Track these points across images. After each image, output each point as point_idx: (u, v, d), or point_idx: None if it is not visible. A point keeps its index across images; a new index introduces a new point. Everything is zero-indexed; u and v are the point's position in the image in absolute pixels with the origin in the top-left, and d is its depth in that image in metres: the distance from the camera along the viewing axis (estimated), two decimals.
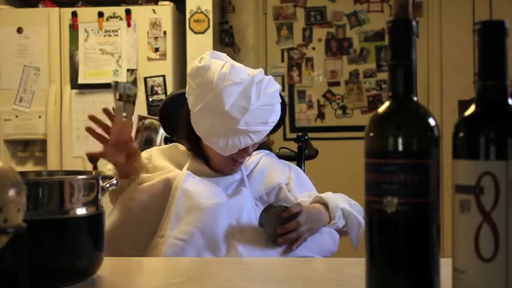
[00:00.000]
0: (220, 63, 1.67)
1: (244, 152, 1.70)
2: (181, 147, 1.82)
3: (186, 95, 1.71)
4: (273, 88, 1.68)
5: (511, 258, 0.77)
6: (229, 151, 1.67)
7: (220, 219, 1.61)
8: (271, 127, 1.70)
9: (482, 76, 0.81)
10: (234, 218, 1.63)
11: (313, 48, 4.50)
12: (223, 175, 1.75)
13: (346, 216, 1.71)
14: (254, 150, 1.86)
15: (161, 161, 1.77)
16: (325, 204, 1.71)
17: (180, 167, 1.73)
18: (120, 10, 3.69)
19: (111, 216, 1.67)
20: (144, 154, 1.81)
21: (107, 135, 1.57)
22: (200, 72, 1.66)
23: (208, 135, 1.69)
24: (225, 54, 1.74)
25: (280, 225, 1.60)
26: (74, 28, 3.69)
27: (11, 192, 0.78)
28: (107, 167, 1.74)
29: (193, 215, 1.60)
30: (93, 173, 1.19)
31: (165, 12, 3.69)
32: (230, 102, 1.61)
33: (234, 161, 1.72)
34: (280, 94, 1.75)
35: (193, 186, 1.65)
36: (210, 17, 3.78)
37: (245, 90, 1.63)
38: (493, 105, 0.81)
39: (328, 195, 1.73)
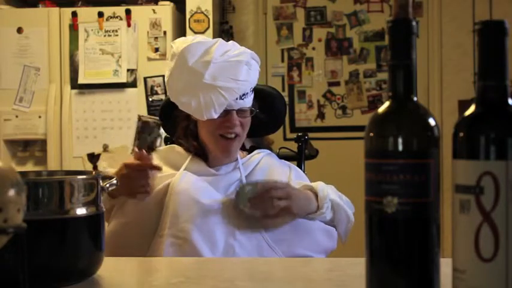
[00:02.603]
0: (192, 36, 1.74)
1: (229, 122, 1.68)
2: (179, 149, 1.82)
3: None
4: (240, 49, 1.70)
5: (511, 258, 0.77)
6: (204, 113, 1.65)
7: (216, 219, 1.61)
8: (245, 86, 1.68)
9: (482, 76, 0.81)
10: (232, 220, 1.62)
11: (313, 48, 4.49)
12: (222, 174, 1.75)
13: (335, 209, 1.69)
14: (254, 150, 1.86)
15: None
16: (316, 194, 1.69)
17: (178, 169, 1.73)
18: (120, 10, 3.69)
19: (112, 222, 1.67)
20: None
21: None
22: (172, 46, 1.73)
23: (179, 97, 1.69)
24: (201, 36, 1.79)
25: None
26: (74, 28, 3.68)
27: (11, 192, 0.78)
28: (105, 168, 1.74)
29: (191, 212, 1.60)
30: (93, 173, 1.19)
31: (165, 12, 3.69)
32: (194, 59, 1.65)
33: (225, 140, 1.70)
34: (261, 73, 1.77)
35: (191, 184, 1.65)
36: (210, 17, 3.78)
37: (208, 47, 1.66)
38: (493, 105, 0.81)
39: (318, 185, 1.71)
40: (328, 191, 1.69)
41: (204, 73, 1.63)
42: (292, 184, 1.69)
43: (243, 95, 1.68)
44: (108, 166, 1.69)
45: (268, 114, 1.81)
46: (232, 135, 1.70)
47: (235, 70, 1.65)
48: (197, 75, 1.63)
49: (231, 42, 1.74)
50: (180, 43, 1.69)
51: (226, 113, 1.67)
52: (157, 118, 3.26)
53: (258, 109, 1.75)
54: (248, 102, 1.70)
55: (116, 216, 1.67)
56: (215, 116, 1.65)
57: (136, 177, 1.58)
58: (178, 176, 1.67)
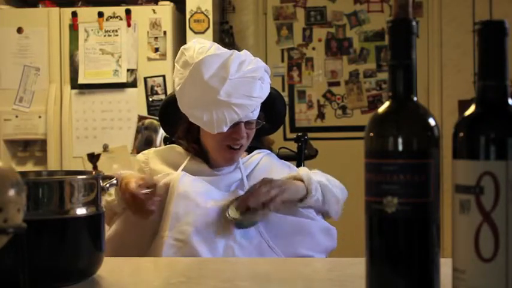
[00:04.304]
0: (203, 42, 1.70)
1: (237, 134, 1.67)
2: (179, 149, 1.81)
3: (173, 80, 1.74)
4: (255, 64, 1.68)
5: (511, 258, 0.77)
6: (216, 127, 1.64)
7: (216, 221, 1.61)
8: (258, 102, 1.67)
9: (482, 76, 0.81)
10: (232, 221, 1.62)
11: (313, 48, 4.50)
12: (223, 174, 1.75)
13: (324, 191, 1.69)
14: (254, 150, 1.86)
15: (158, 164, 1.76)
16: (301, 180, 1.68)
17: (177, 169, 1.73)
18: (120, 10, 3.69)
19: (114, 224, 1.67)
20: (141, 157, 1.81)
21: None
22: (183, 52, 1.69)
23: (191, 110, 1.68)
24: (212, 42, 1.74)
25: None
26: (74, 28, 3.68)
27: (11, 192, 0.78)
28: (113, 166, 1.74)
29: (191, 215, 1.60)
30: (93, 173, 1.19)
31: (165, 12, 3.69)
32: (209, 73, 1.61)
33: (230, 150, 1.70)
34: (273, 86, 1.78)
35: (190, 186, 1.65)
36: (210, 17, 3.78)
37: (225, 62, 1.63)
38: (493, 105, 0.81)
39: (301, 170, 1.71)
40: (312, 175, 1.69)
41: (220, 89, 1.61)
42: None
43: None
44: (119, 168, 1.68)
45: (268, 114, 1.81)
46: (238, 146, 1.70)
47: (250, 87, 1.64)
48: (212, 91, 1.61)
49: (243, 52, 1.72)
50: (194, 52, 1.66)
51: (235, 124, 1.66)
52: (157, 118, 3.25)
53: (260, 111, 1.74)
54: (256, 114, 1.70)
55: (117, 219, 1.68)
56: (225, 130, 1.65)
57: (139, 206, 1.59)
58: (177, 177, 1.66)
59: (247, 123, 1.70)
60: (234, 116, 1.63)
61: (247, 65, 1.67)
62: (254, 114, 1.69)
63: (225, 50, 1.69)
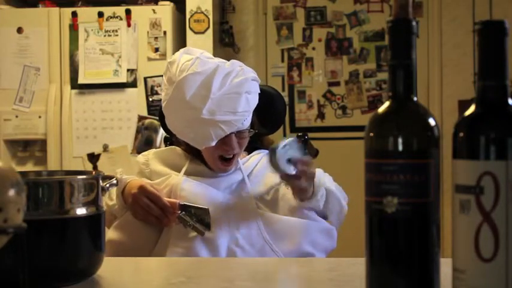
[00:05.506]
0: (187, 57, 1.66)
1: (227, 146, 1.65)
2: (179, 150, 1.81)
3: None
4: (241, 77, 1.64)
5: (511, 258, 0.77)
6: (203, 143, 1.63)
7: (219, 225, 1.60)
8: (244, 116, 1.64)
9: (482, 76, 0.81)
10: (234, 224, 1.62)
11: (313, 48, 4.49)
12: (223, 176, 1.74)
13: (328, 198, 1.67)
14: (254, 150, 1.85)
15: (158, 165, 1.76)
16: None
17: (178, 170, 1.72)
18: (120, 10, 3.69)
19: (115, 228, 1.66)
20: (141, 158, 1.81)
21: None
22: (168, 67, 1.69)
23: (177, 129, 1.68)
24: (202, 51, 1.72)
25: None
26: (74, 28, 3.68)
27: (11, 192, 0.78)
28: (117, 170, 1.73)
29: None
30: (93, 173, 1.19)
31: (165, 12, 3.69)
32: (191, 92, 1.59)
33: (224, 160, 1.69)
34: (265, 88, 1.77)
35: (192, 192, 1.64)
36: (210, 17, 3.78)
37: (207, 80, 1.60)
38: (493, 105, 0.81)
39: (316, 171, 1.68)
40: (325, 179, 1.68)
41: (202, 108, 1.58)
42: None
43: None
44: (124, 173, 1.68)
45: (268, 114, 1.81)
46: (230, 156, 1.69)
47: (234, 103, 1.61)
48: (195, 110, 1.59)
49: (230, 62, 1.68)
50: (177, 70, 1.63)
51: (225, 136, 1.64)
52: (157, 118, 3.25)
53: (257, 110, 1.73)
54: (247, 123, 1.67)
55: (118, 219, 1.67)
56: (213, 145, 1.64)
57: (151, 209, 1.60)
58: (179, 181, 1.66)
59: (239, 133, 1.67)
60: (220, 132, 1.61)
61: (234, 77, 1.63)
62: (244, 124, 1.66)
63: (211, 62, 1.65)
